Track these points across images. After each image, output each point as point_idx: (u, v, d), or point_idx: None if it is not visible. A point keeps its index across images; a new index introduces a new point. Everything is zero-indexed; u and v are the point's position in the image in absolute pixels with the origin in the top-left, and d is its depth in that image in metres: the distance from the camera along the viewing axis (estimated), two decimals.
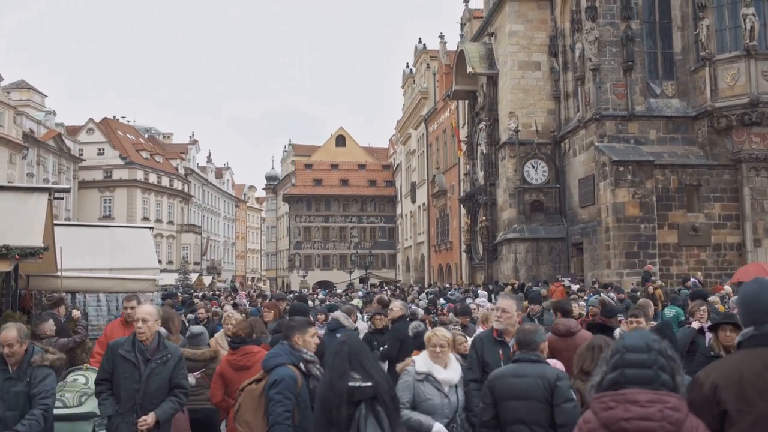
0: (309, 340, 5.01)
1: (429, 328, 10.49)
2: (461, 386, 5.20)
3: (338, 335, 8.05)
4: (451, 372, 5.14)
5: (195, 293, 31.02)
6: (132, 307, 7.01)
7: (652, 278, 18.55)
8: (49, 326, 7.89)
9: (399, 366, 5.56)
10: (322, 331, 7.95)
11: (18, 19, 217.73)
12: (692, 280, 18.28)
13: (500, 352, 5.41)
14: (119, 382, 5.33)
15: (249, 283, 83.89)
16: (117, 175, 60.16)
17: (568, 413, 4.05)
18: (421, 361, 5.14)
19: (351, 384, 3.99)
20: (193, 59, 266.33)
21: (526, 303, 9.63)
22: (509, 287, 20.95)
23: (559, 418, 4.09)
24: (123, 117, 69.90)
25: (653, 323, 7.07)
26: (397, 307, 9.32)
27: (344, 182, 68.83)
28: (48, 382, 5.21)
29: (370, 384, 4.02)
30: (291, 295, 22.06)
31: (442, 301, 17.47)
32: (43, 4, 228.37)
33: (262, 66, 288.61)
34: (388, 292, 26.32)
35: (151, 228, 20.89)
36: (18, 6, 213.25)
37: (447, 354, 5.16)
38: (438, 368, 5.08)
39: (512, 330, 5.35)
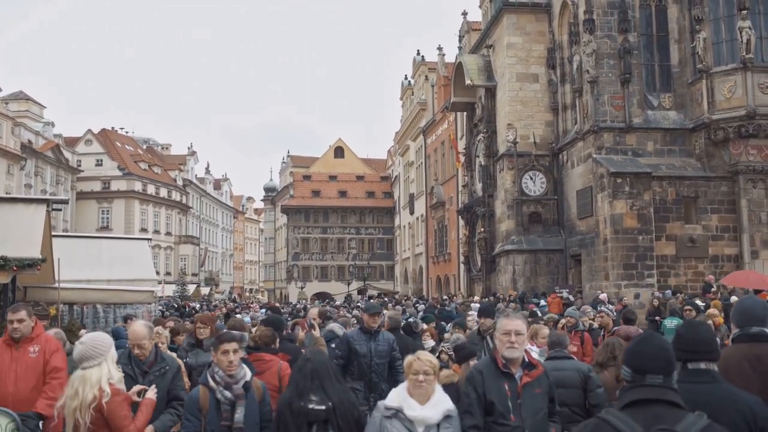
0: (220, 357, 4.50)
1: (427, 341, 10.25)
2: (451, 428, 4.10)
3: (332, 346, 8.08)
4: (430, 409, 4.03)
5: (185, 304, 31.08)
6: (19, 320, 5.80)
7: (712, 289, 18.66)
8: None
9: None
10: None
11: (17, 30, 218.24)
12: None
13: (506, 387, 4.34)
14: None
15: (247, 294, 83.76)
16: (115, 186, 60.19)
17: (600, 396, 5.47)
18: (395, 393, 4.17)
19: (308, 405, 3.99)
20: (192, 72, 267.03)
21: (482, 320, 8.36)
22: (512, 303, 20.81)
23: (593, 400, 5.44)
24: (121, 128, 70.11)
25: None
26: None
27: (342, 194, 68.86)
28: None
29: (323, 408, 3.99)
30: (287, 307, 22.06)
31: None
32: (42, 15, 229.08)
33: (260, 79, 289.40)
34: (388, 303, 26.36)
35: (149, 239, 20.91)
36: (17, 17, 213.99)
37: (432, 384, 4.11)
38: (412, 404, 4.04)
39: (521, 358, 4.44)
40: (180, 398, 5.41)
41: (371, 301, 26.80)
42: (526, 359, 4.48)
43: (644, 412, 2.63)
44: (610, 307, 14.41)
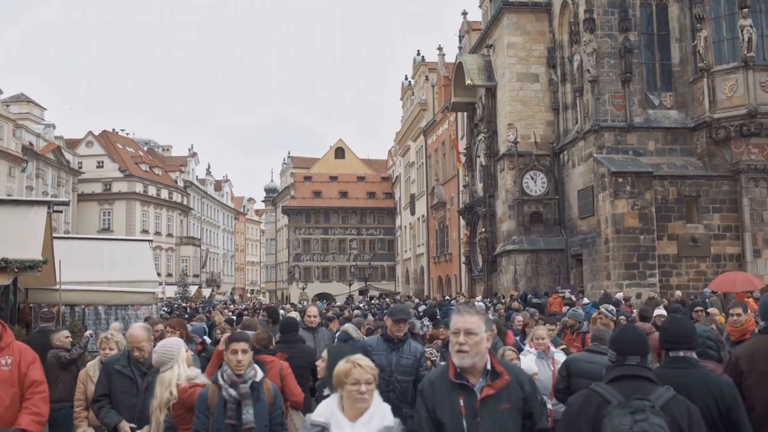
0: (229, 356, 4.54)
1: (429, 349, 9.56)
2: None
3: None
4: (361, 427, 3.36)
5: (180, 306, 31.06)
6: None
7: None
8: (59, 336, 7.95)
9: None
10: None
11: (17, 32, 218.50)
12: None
13: (461, 403, 3.46)
14: (117, 398, 5.37)
15: (248, 295, 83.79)
16: (116, 187, 60.21)
17: None
18: (324, 406, 3.51)
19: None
20: (192, 72, 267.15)
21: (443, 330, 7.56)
22: (511, 299, 20.80)
23: None
24: (122, 130, 70.23)
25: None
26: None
27: (343, 194, 68.85)
28: None
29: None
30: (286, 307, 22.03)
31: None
32: (43, 17, 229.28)
33: (261, 78, 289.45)
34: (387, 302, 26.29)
35: (150, 241, 20.91)
36: (18, 20, 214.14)
37: (372, 395, 3.43)
38: (341, 420, 3.38)
39: (481, 365, 3.51)
40: None
41: (397, 302, 25.61)
42: (489, 366, 3.52)
43: (625, 385, 3.27)
44: (611, 308, 14.32)
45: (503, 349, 6.41)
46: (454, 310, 3.80)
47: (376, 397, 3.47)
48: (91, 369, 6.27)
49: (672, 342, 3.90)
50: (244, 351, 4.52)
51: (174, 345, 5.11)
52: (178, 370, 4.94)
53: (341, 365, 3.46)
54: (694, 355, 3.90)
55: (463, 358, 3.46)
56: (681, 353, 3.86)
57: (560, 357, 6.90)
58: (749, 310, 7.33)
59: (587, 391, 3.39)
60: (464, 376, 3.49)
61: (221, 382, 4.47)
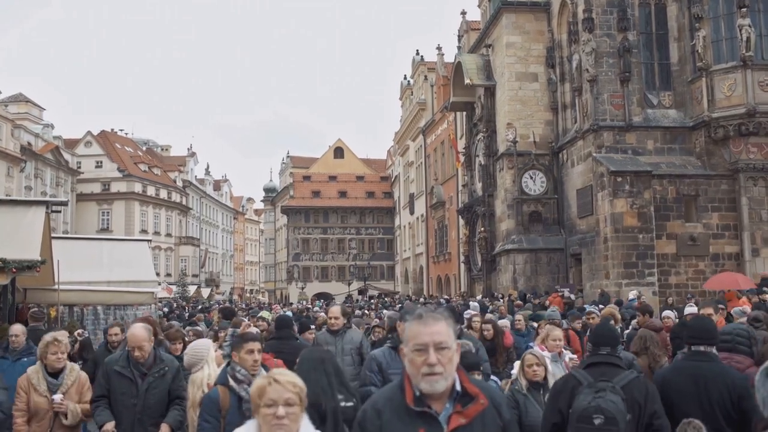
0: (244, 356, 4.49)
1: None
2: None
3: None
4: None
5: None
6: None
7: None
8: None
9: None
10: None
11: (16, 32, 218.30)
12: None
13: None
14: (116, 399, 5.30)
15: (247, 295, 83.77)
16: (115, 187, 60.19)
17: None
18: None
19: (340, 403, 3.71)
20: (192, 72, 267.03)
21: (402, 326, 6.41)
22: (510, 298, 20.78)
23: None
24: (121, 130, 70.17)
25: None
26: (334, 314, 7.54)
27: (342, 194, 68.82)
28: None
29: (351, 404, 3.76)
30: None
31: None
32: (42, 17, 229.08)
33: (261, 78, 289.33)
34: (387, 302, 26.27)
35: (149, 241, 20.90)
36: (17, 20, 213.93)
37: (297, 421, 2.63)
38: None
39: (447, 387, 2.63)
40: (182, 398, 5.40)
41: (406, 303, 24.73)
42: (459, 387, 2.68)
43: (596, 370, 4.07)
44: (602, 307, 14.24)
45: (527, 354, 5.54)
46: (413, 315, 2.74)
47: (305, 423, 2.68)
48: (33, 375, 5.58)
49: (695, 338, 4.57)
50: (259, 351, 4.58)
51: (203, 346, 5.32)
52: (209, 369, 5.08)
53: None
54: (714, 350, 4.51)
55: (437, 382, 2.59)
56: (702, 348, 4.47)
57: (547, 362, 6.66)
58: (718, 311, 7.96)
59: (567, 375, 4.40)
60: (425, 401, 2.62)
61: (232, 383, 4.43)
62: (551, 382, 5.19)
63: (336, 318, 7.40)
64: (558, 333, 6.77)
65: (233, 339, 5.68)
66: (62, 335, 5.94)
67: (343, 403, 3.75)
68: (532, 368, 5.33)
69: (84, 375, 5.85)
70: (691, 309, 10.01)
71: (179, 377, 5.49)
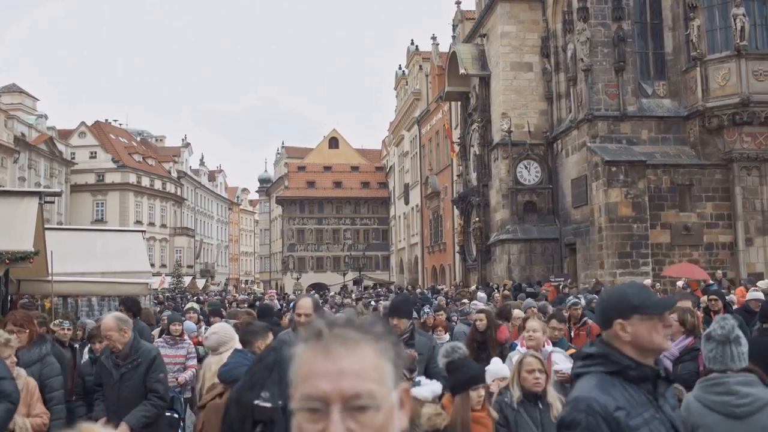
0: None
1: (441, 336, 8.06)
2: None
3: None
4: None
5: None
6: None
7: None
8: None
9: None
10: None
11: (10, 23, 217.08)
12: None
13: None
14: (105, 390, 5.36)
15: (243, 286, 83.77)
16: (109, 178, 60.02)
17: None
18: None
19: (255, 401, 3.41)
20: (187, 62, 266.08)
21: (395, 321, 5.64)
22: (504, 288, 20.81)
23: None
24: (115, 120, 69.78)
25: None
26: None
27: (337, 184, 68.81)
28: None
29: (268, 405, 3.35)
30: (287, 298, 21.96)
31: (426, 309, 11.05)
32: (36, 9, 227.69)
33: (254, 69, 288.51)
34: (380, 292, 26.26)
35: (144, 232, 20.87)
36: (10, 11, 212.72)
37: None
38: None
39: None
40: (155, 390, 5.21)
41: (366, 291, 25.08)
42: None
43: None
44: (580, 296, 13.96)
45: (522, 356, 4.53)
46: (308, 333, 1.28)
47: None
48: None
49: (766, 317, 5.76)
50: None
51: (231, 329, 5.58)
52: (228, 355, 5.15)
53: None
54: None
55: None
56: None
57: (559, 357, 5.57)
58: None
59: None
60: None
61: None
62: (551, 392, 4.15)
63: (307, 315, 4.75)
64: (534, 324, 5.71)
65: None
66: (8, 336, 4.88)
67: (258, 401, 3.38)
68: (533, 375, 4.08)
69: (33, 382, 4.91)
70: (756, 294, 10.02)
71: (155, 368, 5.27)
